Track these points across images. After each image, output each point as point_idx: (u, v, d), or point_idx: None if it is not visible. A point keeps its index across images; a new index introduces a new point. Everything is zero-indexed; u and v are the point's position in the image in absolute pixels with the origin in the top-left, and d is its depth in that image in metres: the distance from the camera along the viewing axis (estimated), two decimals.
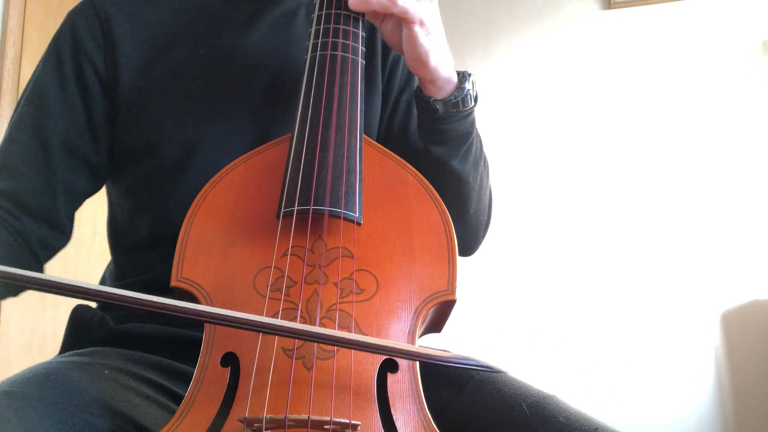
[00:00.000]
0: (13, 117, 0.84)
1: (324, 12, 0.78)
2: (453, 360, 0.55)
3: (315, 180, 0.65)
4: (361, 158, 0.70)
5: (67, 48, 0.83)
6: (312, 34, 0.77)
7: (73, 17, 0.85)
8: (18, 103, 0.85)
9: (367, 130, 0.79)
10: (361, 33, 0.78)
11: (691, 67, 2.49)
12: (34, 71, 0.86)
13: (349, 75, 0.74)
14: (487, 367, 0.56)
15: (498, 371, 0.59)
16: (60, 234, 0.83)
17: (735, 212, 2.36)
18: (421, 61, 0.74)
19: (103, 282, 0.90)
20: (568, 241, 2.48)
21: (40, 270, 0.81)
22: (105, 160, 0.86)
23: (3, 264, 0.73)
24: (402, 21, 0.73)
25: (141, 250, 0.84)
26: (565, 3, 2.66)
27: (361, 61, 0.77)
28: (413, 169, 0.72)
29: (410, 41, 0.73)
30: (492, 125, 2.52)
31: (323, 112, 0.71)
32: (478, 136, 0.85)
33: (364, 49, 0.78)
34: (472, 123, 0.82)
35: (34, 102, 0.83)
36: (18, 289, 0.75)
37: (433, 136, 0.81)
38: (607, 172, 2.50)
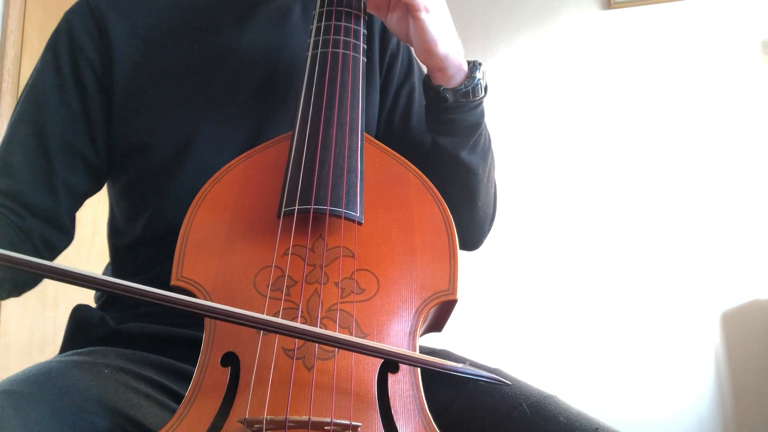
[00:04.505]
0: (12, 117, 0.84)
1: (325, 9, 0.78)
2: (453, 369, 0.55)
3: (316, 179, 0.65)
4: (362, 157, 0.70)
5: (64, 48, 0.83)
6: (313, 32, 0.77)
7: (69, 17, 0.86)
8: (17, 103, 0.85)
9: (366, 128, 0.80)
10: (362, 30, 0.78)
11: (691, 67, 2.49)
12: (33, 71, 0.86)
13: (350, 73, 0.74)
14: (492, 379, 0.56)
15: (504, 383, 0.59)
16: (61, 233, 0.83)
17: (735, 212, 2.36)
18: (430, 49, 0.74)
19: None
20: (567, 241, 2.48)
21: None
22: (103, 159, 0.85)
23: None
24: (408, 9, 0.73)
25: (139, 250, 0.84)
26: (565, 3, 2.66)
27: (362, 58, 0.77)
28: (414, 167, 0.71)
29: (418, 30, 0.73)
30: (492, 125, 2.51)
31: (324, 110, 0.70)
32: (486, 127, 0.84)
33: (365, 46, 0.78)
34: (482, 113, 0.81)
35: (32, 102, 0.83)
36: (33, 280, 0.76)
37: (442, 127, 0.80)
38: (607, 172, 2.50)
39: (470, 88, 0.77)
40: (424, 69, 0.81)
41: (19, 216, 0.78)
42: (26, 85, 0.86)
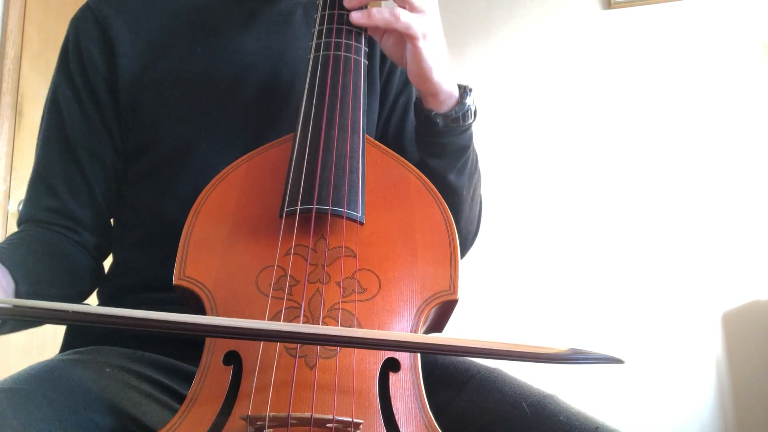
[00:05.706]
0: (40, 134, 0.87)
1: (327, 12, 0.78)
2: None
3: (318, 180, 0.65)
4: (364, 158, 0.70)
5: (73, 58, 0.85)
6: (315, 34, 0.77)
7: (75, 25, 0.87)
8: (42, 119, 0.88)
9: (367, 130, 0.80)
10: (364, 33, 0.78)
11: (692, 68, 2.49)
12: (50, 84, 0.89)
13: (351, 75, 0.74)
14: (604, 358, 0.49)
15: (617, 361, 0.49)
16: (107, 240, 0.88)
17: (735, 213, 2.36)
18: (425, 76, 0.74)
19: (106, 278, 0.90)
20: (567, 241, 2.48)
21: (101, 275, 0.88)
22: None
23: (78, 278, 0.82)
24: (405, 36, 0.73)
25: (141, 249, 0.85)
26: (565, 3, 2.66)
27: (363, 61, 0.77)
28: (415, 168, 0.72)
29: (414, 57, 0.73)
30: (492, 125, 2.52)
31: (326, 111, 0.71)
32: (474, 149, 0.85)
33: (367, 49, 0.78)
34: (471, 137, 0.82)
35: (54, 118, 0.86)
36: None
37: (431, 149, 0.80)
38: (607, 172, 2.50)
39: (460, 113, 0.77)
40: None
41: (74, 232, 0.83)
42: (47, 99, 0.88)
